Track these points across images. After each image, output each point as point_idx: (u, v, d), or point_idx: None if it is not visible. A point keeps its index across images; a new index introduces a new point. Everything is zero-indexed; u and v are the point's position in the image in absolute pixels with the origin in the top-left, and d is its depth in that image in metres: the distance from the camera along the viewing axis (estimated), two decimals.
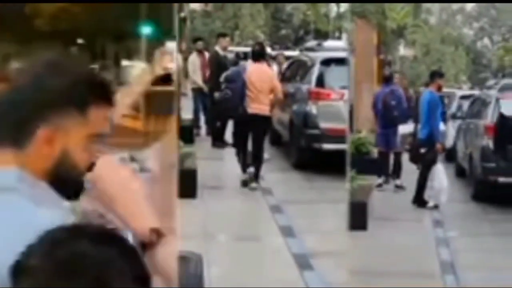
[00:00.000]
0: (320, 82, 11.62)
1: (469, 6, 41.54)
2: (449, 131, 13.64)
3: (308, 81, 11.84)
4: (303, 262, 7.15)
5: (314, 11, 34.54)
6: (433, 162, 10.26)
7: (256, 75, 10.15)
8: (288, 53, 17.31)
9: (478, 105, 12.66)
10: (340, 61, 11.55)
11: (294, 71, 13.39)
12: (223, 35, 14.27)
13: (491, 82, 13.96)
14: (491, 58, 40.17)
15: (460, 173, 12.55)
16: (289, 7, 35.26)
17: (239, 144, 10.57)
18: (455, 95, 16.84)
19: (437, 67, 26.95)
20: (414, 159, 10.89)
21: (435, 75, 11.05)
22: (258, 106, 10.06)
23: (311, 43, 15.89)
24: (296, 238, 7.97)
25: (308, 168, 11.21)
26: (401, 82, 12.90)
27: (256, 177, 10.11)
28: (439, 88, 10.87)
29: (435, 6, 39.48)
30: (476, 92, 15.74)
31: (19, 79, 1.56)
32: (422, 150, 10.43)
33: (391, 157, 11.40)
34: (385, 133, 11.23)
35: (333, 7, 34.55)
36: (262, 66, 10.42)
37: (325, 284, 6.74)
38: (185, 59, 14.34)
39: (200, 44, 14.08)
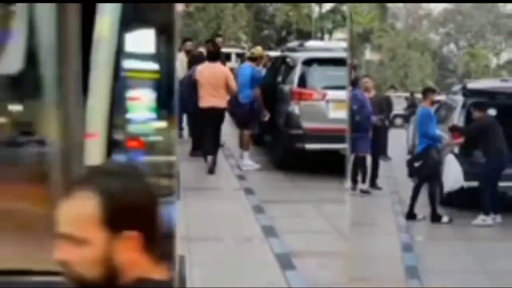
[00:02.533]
0: (302, 82, 11.62)
1: (436, 11, 41.76)
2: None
3: (290, 81, 11.84)
4: (285, 262, 7.14)
5: (296, 11, 34.62)
6: (427, 177, 10.33)
7: (209, 73, 11.10)
8: (270, 53, 17.30)
9: (444, 110, 12.72)
10: (322, 61, 11.58)
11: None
12: (212, 40, 14.95)
13: (456, 87, 14.05)
14: (457, 64, 40.38)
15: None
16: (271, 7, 35.29)
17: (199, 136, 11.34)
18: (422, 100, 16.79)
19: (404, 72, 27.05)
20: (411, 173, 10.92)
21: (428, 91, 11.22)
22: (214, 100, 10.96)
23: (293, 43, 15.90)
24: (278, 238, 7.97)
25: (290, 168, 11.21)
26: (366, 87, 12.45)
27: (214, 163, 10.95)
28: (432, 103, 11.11)
29: (402, 11, 39.69)
30: (442, 97, 15.76)
31: None
32: (416, 164, 10.48)
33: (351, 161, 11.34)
34: (351, 138, 11.21)
35: (315, 7, 34.64)
36: (215, 65, 11.35)
37: (307, 284, 6.73)
38: None
39: (189, 44, 14.16)
